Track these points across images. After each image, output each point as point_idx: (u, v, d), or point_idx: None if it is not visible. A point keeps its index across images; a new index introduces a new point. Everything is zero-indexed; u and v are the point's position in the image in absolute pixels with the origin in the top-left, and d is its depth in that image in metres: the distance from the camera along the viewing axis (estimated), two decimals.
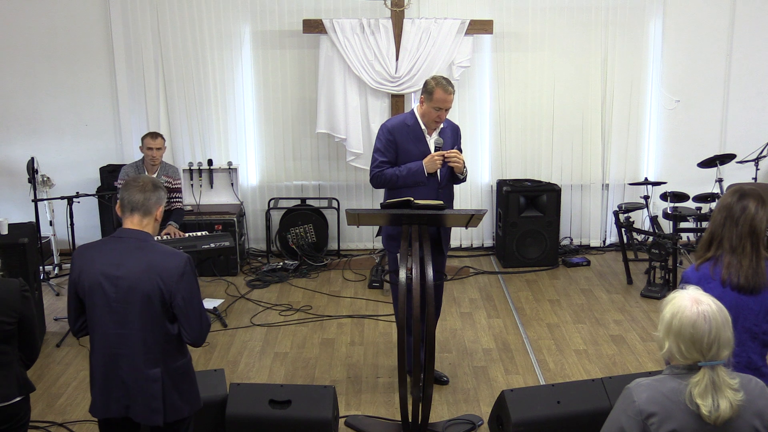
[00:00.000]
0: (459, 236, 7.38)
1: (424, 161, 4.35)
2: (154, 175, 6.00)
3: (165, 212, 6.04)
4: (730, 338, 2.24)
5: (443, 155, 4.34)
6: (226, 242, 5.62)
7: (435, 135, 4.45)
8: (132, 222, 2.95)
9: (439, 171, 4.40)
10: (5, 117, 7.07)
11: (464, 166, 4.46)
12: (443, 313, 5.11)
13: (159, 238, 5.67)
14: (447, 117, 4.49)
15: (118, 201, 3.00)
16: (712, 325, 2.21)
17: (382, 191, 4.63)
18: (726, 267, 2.86)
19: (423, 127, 4.42)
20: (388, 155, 4.42)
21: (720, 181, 6.44)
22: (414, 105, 4.54)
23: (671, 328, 2.25)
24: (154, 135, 5.99)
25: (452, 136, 4.54)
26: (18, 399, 3.00)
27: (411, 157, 4.38)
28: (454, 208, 4.77)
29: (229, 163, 7.13)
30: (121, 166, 6.58)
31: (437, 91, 4.27)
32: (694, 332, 2.21)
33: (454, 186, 4.67)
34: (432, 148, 4.42)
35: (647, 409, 2.24)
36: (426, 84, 4.36)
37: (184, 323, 2.93)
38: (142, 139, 6.00)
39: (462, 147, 4.65)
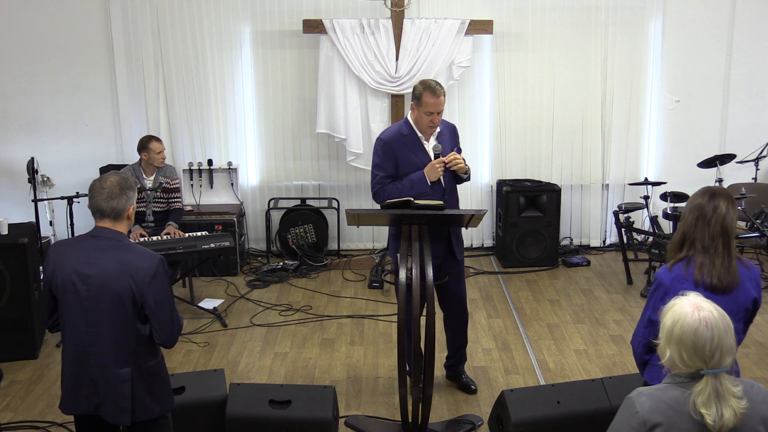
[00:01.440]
0: None
1: (426, 170, 4.23)
2: (152, 177, 5.99)
3: (164, 212, 6.09)
4: (733, 345, 2.20)
5: (444, 161, 4.23)
6: (226, 242, 5.62)
7: (433, 141, 4.33)
8: (104, 224, 2.96)
9: (442, 177, 4.28)
10: (5, 117, 7.07)
11: (466, 165, 4.36)
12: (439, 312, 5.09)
13: (159, 238, 5.68)
14: (442, 118, 4.39)
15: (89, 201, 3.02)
16: (714, 333, 2.17)
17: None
18: (699, 267, 2.87)
19: (419, 134, 4.30)
20: (387, 169, 4.29)
21: (720, 181, 6.44)
22: (408, 112, 4.39)
23: (672, 336, 2.21)
24: (158, 139, 5.99)
25: (451, 138, 4.43)
26: None
27: (412, 167, 4.26)
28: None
29: (229, 163, 7.13)
30: (121, 166, 6.58)
31: (425, 95, 4.13)
32: (696, 340, 2.17)
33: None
34: (432, 155, 4.31)
35: (651, 419, 2.19)
36: (414, 90, 4.23)
37: (155, 324, 2.94)
38: (146, 144, 5.89)
39: (461, 146, 4.57)
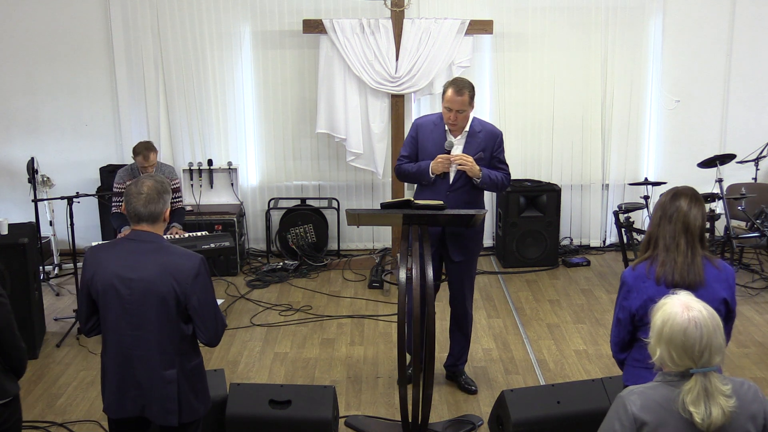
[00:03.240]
0: None
1: (432, 162, 4.32)
2: None
3: None
4: (722, 344, 2.22)
5: (449, 158, 4.28)
6: (226, 242, 5.62)
7: (459, 138, 4.38)
8: (141, 227, 2.97)
9: (451, 173, 4.35)
10: (5, 117, 7.07)
11: (481, 172, 4.31)
12: (442, 312, 5.09)
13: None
14: (489, 122, 4.53)
15: (123, 204, 3.01)
16: (703, 332, 2.19)
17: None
18: (660, 265, 2.89)
19: (447, 128, 4.39)
20: (408, 150, 4.48)
21: (720, 181, 6.43)
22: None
23: (662, 335, 2.23)
24: (146, 153, 5.69)
25: (485, 141, 4.40)
26: None
27: (426, 154, 4.39)
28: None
29: (229, 163, 7.13)
30: (121, 166, 6.57)
31: (448, 90, 4.26)
32: (686, 339, 2.19)
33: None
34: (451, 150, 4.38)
35: (641, 417, 2.22)
36: (444, 84, 4.38)
37: (200, 324, 2.95)
38: (134, 155, 5.75)
39: (503, 155, 4.49)
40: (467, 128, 4.39)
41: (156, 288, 2.87)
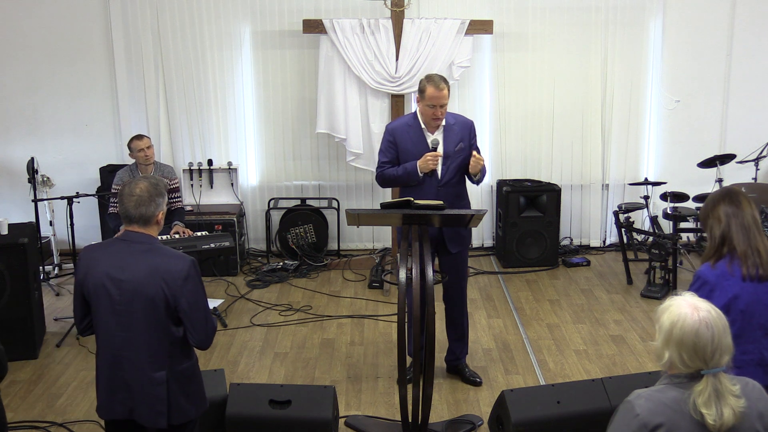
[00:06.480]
0: None
1: (419, 161, 4.37)
2: None
3: (167, 212, 6.09)
4: (730, 344, 2.21)
5: (437, 155, 4.34)
6: (226, 242, 5.62)
7: (437, 133, 4.45)
8: (133, 228, 2.97)
9: (439, 170, 4.41)
10: (5, 117, 7.07)
11: (483, 167, 4.40)
12: (442, 312, 5.09)
13: (169, 237, 5.68)
14: (459, 114, 4.59)
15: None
16: (714, 332, 2.17)
17: (385, 191, 4.63)
18: (743, 259, 2.91)
19: (423, 126, 4.45)
20: (388, 155, 4.51)
21: (720, 181, 6.44)
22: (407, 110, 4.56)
23: (672, 338, 2.20)
24: (139, 136, 5.98)
25: (460, 133, 4.50)
26: None
27: (410, 156, 4.43)
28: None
29: (229, 163, 7.13)
30: (121, 166, 6.58)
31: (428, 88, 4.31)
32: (698, 340, 2.17)
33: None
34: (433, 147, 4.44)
35: (653, 421, 2.18)
36: (419, 83, 4.42)
37: (189, 327, 2.93)
38: (129, 145, 5.94)
39: (478, 144, 4.60)
40: (443, 122, 4.46)
41: (145, 289, 2.86)
